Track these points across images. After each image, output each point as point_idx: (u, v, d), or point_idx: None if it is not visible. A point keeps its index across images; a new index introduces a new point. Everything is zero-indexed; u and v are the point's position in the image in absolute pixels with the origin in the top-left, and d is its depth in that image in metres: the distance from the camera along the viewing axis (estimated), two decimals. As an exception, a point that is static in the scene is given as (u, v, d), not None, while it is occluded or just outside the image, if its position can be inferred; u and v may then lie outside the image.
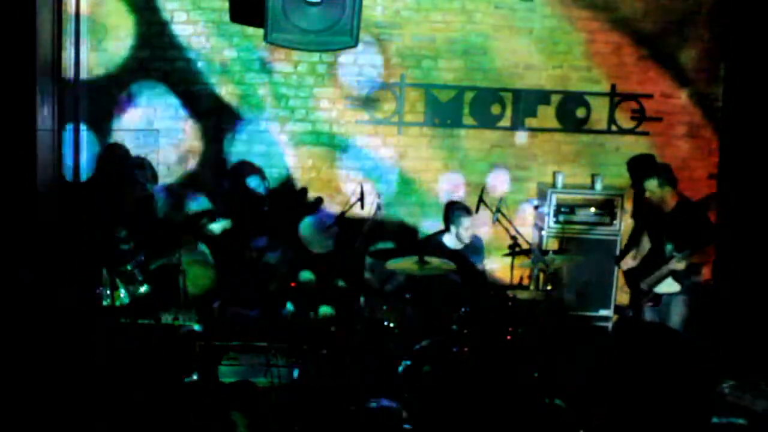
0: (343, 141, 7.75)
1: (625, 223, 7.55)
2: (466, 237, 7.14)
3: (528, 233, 7.69)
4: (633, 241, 7.41)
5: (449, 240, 7.25)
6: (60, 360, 5.70)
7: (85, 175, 7.39)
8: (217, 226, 6.75)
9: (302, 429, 5.37)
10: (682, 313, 6.77)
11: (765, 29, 7.33)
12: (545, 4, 7.72)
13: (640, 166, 7.51)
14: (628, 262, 7.12)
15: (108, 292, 6.35)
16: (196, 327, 6.32)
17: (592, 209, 7.50)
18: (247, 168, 7.61)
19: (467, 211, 7.17)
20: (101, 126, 7.44)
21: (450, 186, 7.85)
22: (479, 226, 7.50)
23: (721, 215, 7.75)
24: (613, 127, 7.94)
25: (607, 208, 7.55)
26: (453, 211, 7.28)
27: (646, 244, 7.14)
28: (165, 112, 7.53)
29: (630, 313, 7.14)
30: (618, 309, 7.60)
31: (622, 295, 7.62)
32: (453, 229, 7.18)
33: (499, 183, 7.82)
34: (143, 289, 6.51)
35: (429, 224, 7.78)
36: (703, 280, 7.86)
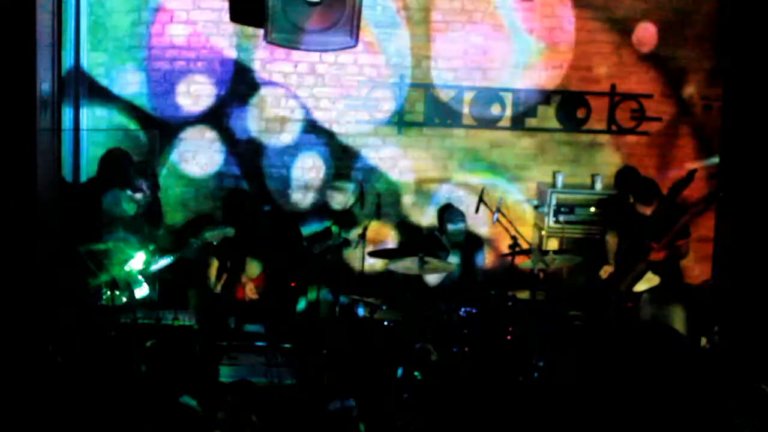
0: (342, 141, 7.75)
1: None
2: (460, 238, 7.14)
3: (528, 233, 7.69)
4: (603, 248, 7.27)
5: (446, 240, 7.24)
6: (59, 360, 5.71)
7: (85, 176, 7.40)
8: (215, 234, 6.67)
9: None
10: (655, 309, 6.78)
11: (765, 28, 7.33)
12: (545, 4, 7.72)
13: (625, 179, 7.47)
14: (608, 270, 7.01)
15: (108, 292, 6.34)
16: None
17: (592, 209, 7.49)
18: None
19: (460, 214, 7.16)
20: (101, 125, 7.47)
21: (449, 186, 7.87)
22: (479, 226, 7.50)
23: (721, 215, 7.75)
24: (613, 127, 7.94)
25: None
26: (445, 213, 7.28)
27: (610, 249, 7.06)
28: (164, 112, 7.55)
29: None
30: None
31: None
32: (446, 230, 7.16)
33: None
34: (143, 289, 6.50)
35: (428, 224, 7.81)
36: (703, 280, 7.89)
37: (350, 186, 7.70)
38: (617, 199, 7.45)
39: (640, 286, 6.78)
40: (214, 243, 6.63)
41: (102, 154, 6.97)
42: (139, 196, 6.57)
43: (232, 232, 6.65)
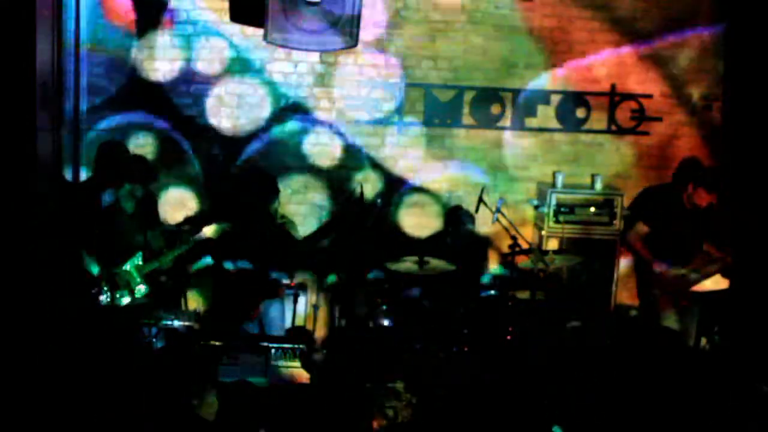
0: (342, 141, 7.75)
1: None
2: (467, 239, 7.14)
3: (528, 233, 7.69)
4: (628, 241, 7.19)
5: (450, 241, 7.25)
6: (60, 360, 5.71)
7: (84, 174, 7.40)
8: (215, 230, 6.67)
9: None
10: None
11: (765, 28, 7.33)
12: (545, 4, 7.72)
13: (689, 169, 7.36)
14: (662, 265, 6.85)
15: (107, 292, 6.34)
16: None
17: (592, 209, 7.49)
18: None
19: (468, 216, 7.17)
20: (100, 125, 7.47)
21: (449, 186, 7.86)
22: (479, 226, 7.50)
23: (721, 214, 7.74)
24: (613, 127, 7.94)
25: (607, 207, 7.54)
26: (454, 214, 7.28)
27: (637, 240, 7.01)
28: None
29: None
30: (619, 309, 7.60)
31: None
32: (454, 231, 7.16)
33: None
34: (142, 289, 6.50)
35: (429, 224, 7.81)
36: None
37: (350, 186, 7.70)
38: (668, 188, 7.20)
39: (705, 287, 6.71)
40: (213, 239, 6.65)
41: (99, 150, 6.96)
42: (137, 189, 6.56)
43: (229, 227, 6.67)
